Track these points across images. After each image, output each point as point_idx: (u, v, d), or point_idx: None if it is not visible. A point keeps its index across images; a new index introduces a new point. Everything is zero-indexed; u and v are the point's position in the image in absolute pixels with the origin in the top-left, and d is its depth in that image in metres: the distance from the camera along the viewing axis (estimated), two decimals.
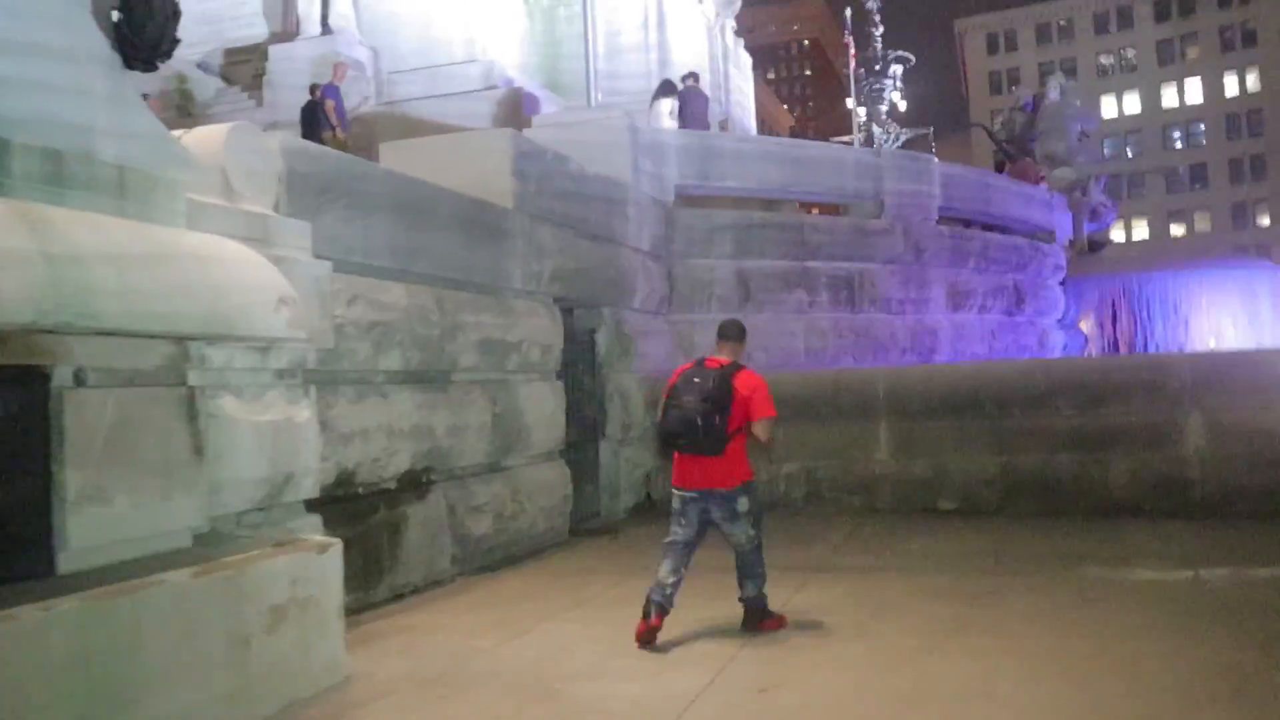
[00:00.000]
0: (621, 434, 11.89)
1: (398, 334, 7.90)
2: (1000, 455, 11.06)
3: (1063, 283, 21.00)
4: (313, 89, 16.70)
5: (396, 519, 7.83)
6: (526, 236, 10.01)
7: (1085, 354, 21.26)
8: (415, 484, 8.14)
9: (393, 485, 7.88)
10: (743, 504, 6.36)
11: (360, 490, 7.54)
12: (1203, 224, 77.76)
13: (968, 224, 18.26)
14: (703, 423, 6.12)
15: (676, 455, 6.36)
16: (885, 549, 9.23)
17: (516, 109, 18.84)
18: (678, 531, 6.41)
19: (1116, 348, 21.73)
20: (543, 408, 9.99)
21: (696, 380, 6.25)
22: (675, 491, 6.34)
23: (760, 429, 6.23)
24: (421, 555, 8.08)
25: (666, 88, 17.32)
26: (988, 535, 9.76)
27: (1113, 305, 22.21)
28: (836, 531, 10.18)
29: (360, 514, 7.48)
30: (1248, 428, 10.30)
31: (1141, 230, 79.48)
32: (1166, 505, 10.38)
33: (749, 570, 6.47)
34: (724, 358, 6.45)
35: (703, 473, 6.30)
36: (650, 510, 11.94)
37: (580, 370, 11.41)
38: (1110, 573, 7.87)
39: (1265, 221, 74.76)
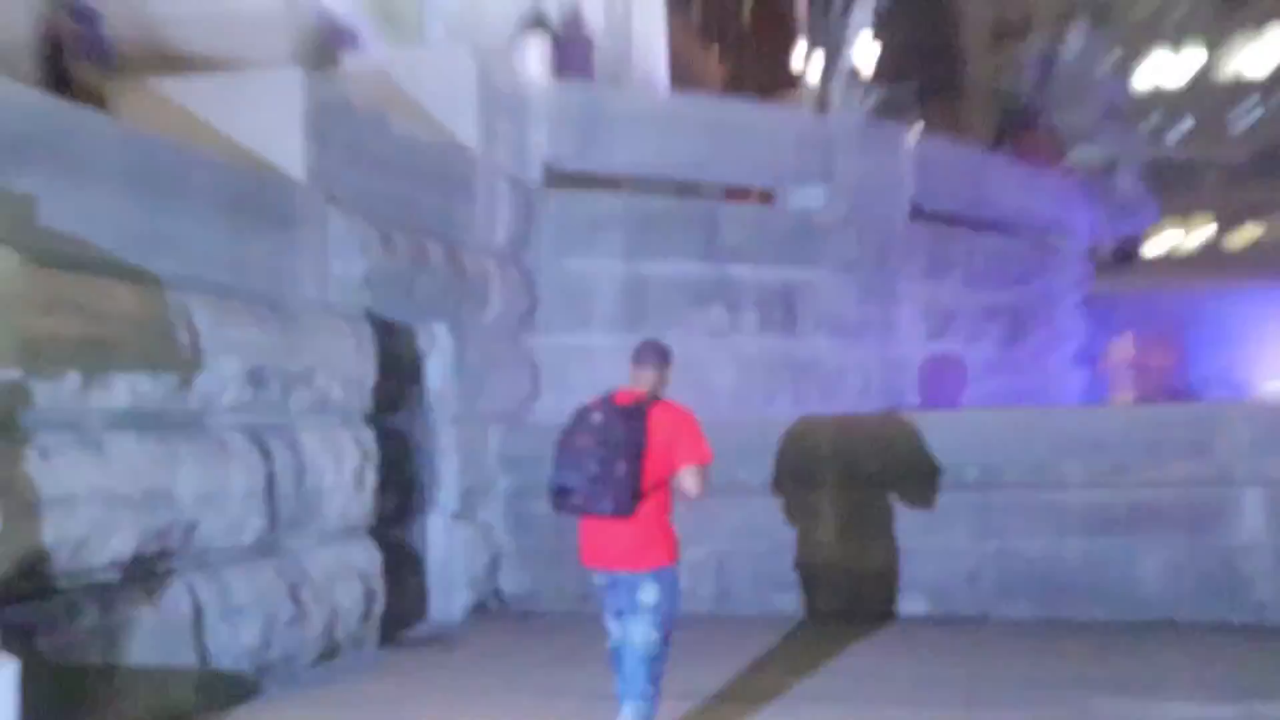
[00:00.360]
0: (461, 504, 11.86)
1: (124, 357, 7.72)
2: (987, 540, 11.17)
3: (1083, 304, 21.40)
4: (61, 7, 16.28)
5: (114, 626, 7.62)
6: (325, 224, 9.93)
7: (1110, 402, 21.66)
8: (146, 575, 7.96)
9: (111, 577, 7.67)
10: (649, 594, 6.53)
11: (59, 584, 7.32)
12: (1275, 231, 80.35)
13: (952, 221, 18.51)
14: (600, 470, 6.38)
15: (582, 523, 6.62)
16: (823, 669, 9.24)
17: (328, 46, 18.63)
18: (613, 630, 6.66)
19: (1153, 393, 22.19)
20: (344, 465, 9.90)
21: (597, 418, 6.52)
22: (592, 573, 6.65)
23: (690, 480, 6.51)
24: (152, 680, 7.87)
25: (536, 20, 17.26)
26: (966, 651, 9.79)
27: (1151, 335, 22.72)
28: (756, 643, 10.17)
29: (56, 619, 7.25)
30: None
31: (1193, 235, 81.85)
32: (1213, 612, 10.55)
33: (635, 687, 6.57)
34: (641, 389, 6.69)
35: (612, 545, 6.56)
36: (500, 613, 11.90)
37: (403, 413, 11.40)
38: (1132, 708, 7.95)
39: None
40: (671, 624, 6.65)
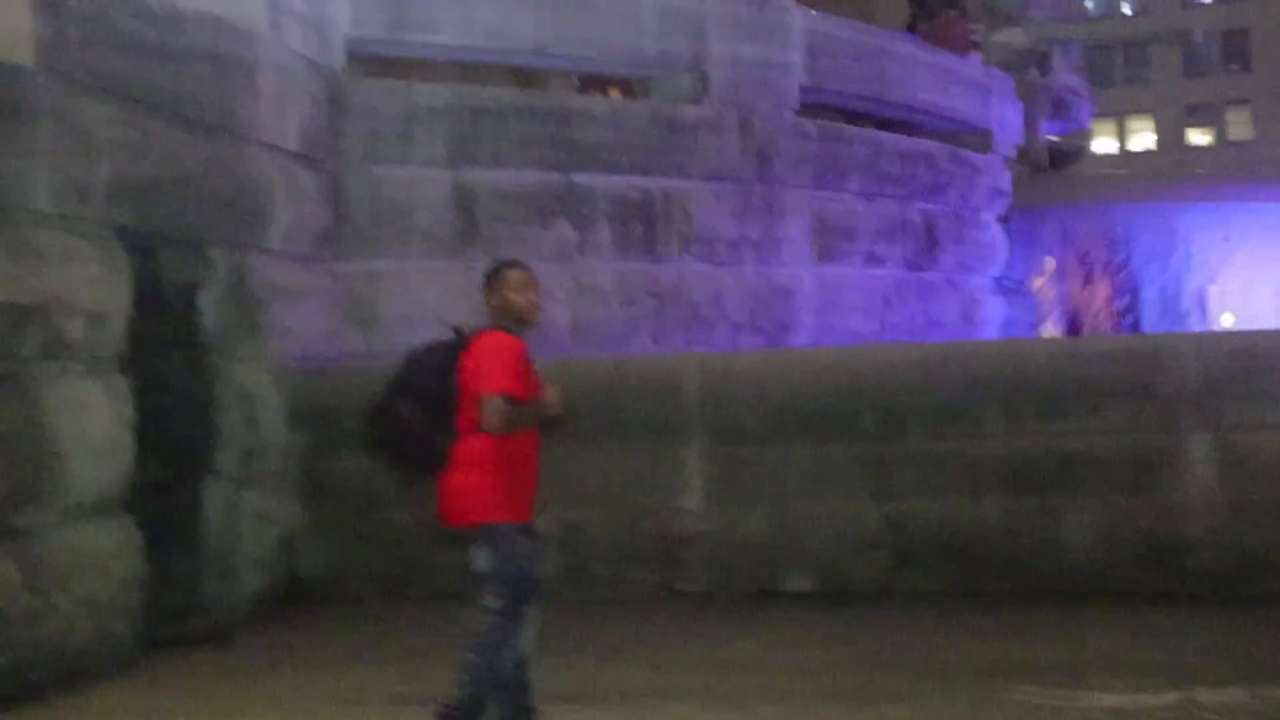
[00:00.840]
0: (242, 467, 11.67)
1: None
2: (887, 501, 11.25)
3: (1005, 219, 21.55)
4: None
5: None
6: (60, 119, 9.62)
7: (1040, 334, 21.89)
8: None
9: None
10: (480, 560, 7.03)
11: None
12: (1240, 128, 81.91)
13: (851, 117, 18.48)
14: (387, 420, 7.21)
15: None
16: (690, 659, 9.27)
17: None
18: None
19: (1088, 325, 22.47)
20: (90, 424, 9.69)
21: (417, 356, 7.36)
22: None
23: (483, 413, 6.91)
24: None
25: None
26: (861, 634, 9.87)
27: (1086, 257, 22.98)
28: (613, 629, 10.23)
29: None
30: None
31: (1141, 136, 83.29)
32: (1152, 581, 10.69)
33: (467, 665, 7.03)
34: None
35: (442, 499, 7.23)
36: (295, 601, 11.73)
37: (168, 357, 11.19)
38: (1055, 696, 8.00)
39: None
40: (519, 591, 7.03)
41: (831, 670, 8.88)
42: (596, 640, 9.91)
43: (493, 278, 7.28)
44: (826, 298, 17.11)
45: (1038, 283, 22.57)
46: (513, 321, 7.16)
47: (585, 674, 8.95)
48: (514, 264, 7.33)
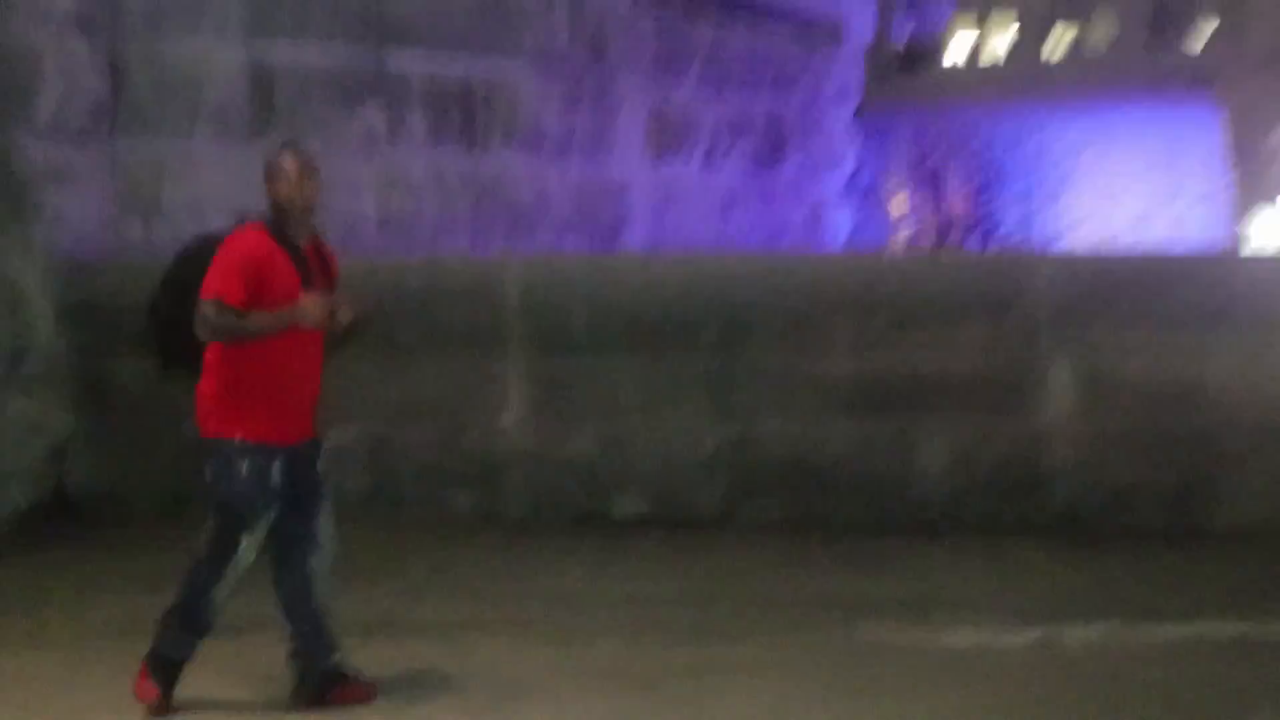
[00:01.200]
0: (5, 369, 11.54)
1: None
2: (727, 421, 11.32)
3: (856, 120, 21.63)
4: None
5: None
6: None
7: (889, 247, 22.06)
8: None
9: None
10: (207, 475, 7.12)
11: None
12: (1104, 29, 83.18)
13: (692, 3, 18.41)
14: (152, 317, 7.40)
15: None
16: (510, 590, 9.36)
17: None
18: None
19: (941, 238, 22.69)
20: None
21: None
22: None
23: (195, 319, 6.98)
24: None
25: None
26: (696, 564, 9.98)
27: (939, 164, 23.16)
28: (425, 556, 10.29)
29: None
30: (1148, 383, 10.88)
31: (1002, 38, 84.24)
32: (1009, 513, 10.86)
33: (174, 596, 7.16)
34: None
35: None
36: (68, 519, 11.59)
37: None
38: (906, 634, 8.15)
39: (1208, 29, 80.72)
40: (221, 522, 7.04)
41: (664, 604, 8.91)
42: (407, 568, 9.90)
43: (268, 166, 7.20)
44: (662, 199, 17.10)
45: (889, 191, 22.73)
46: (286, 216, 7.07)
47: (394, 604, 8.95)
48: (288, 150, 7.27)
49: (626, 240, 16.45)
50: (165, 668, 7.03)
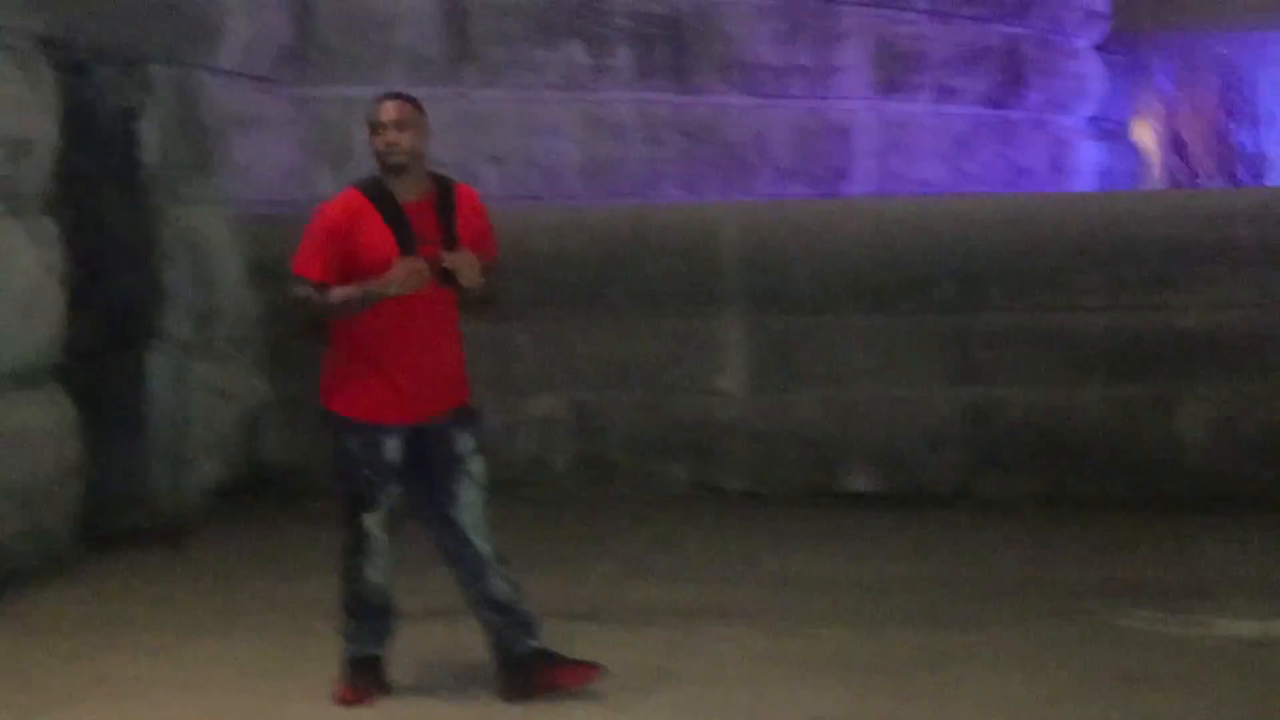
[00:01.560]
0: (193, 333, 11.68)
1: None
2: (964, 386, 11.27)
3: (1104, 48, 21.34)
4: None
5: None
6: None
7: (1144, 187, 21.76)
8: None
9: None
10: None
11: None
12: None
13: None
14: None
15: None
16: (729, 571, 9.29)
17: None
18: None
19: (1202, 176, 22.32)
20: (9, 275, 9.71)
21: None
22: None
23: None
24: None
25: None
26: (935, 544, 9.89)
27: (1198, 95, 22.81)
28: (637, 535, 10.27)
29: None
30: None
31: None
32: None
33: (340, 595, 7.26)
34: None
35: None
36: (259, 493, 11.80)
37: (102, 198, 11.16)
38: (1181, 624, 7.98)
39: None
40: (344, 501, 7.16)
41: (898, 587, 8.87)
42: (618, 547, 9.92)
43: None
44: (890, 139, 16.94)
45: (1142, 126, 22.42)
46: (383, 172, 6.99)
47: (604, 587, 8.99)
48: (377, 99, 7.15)
49: (850, 186, 16.33)
50: (354, 663, 7.11)
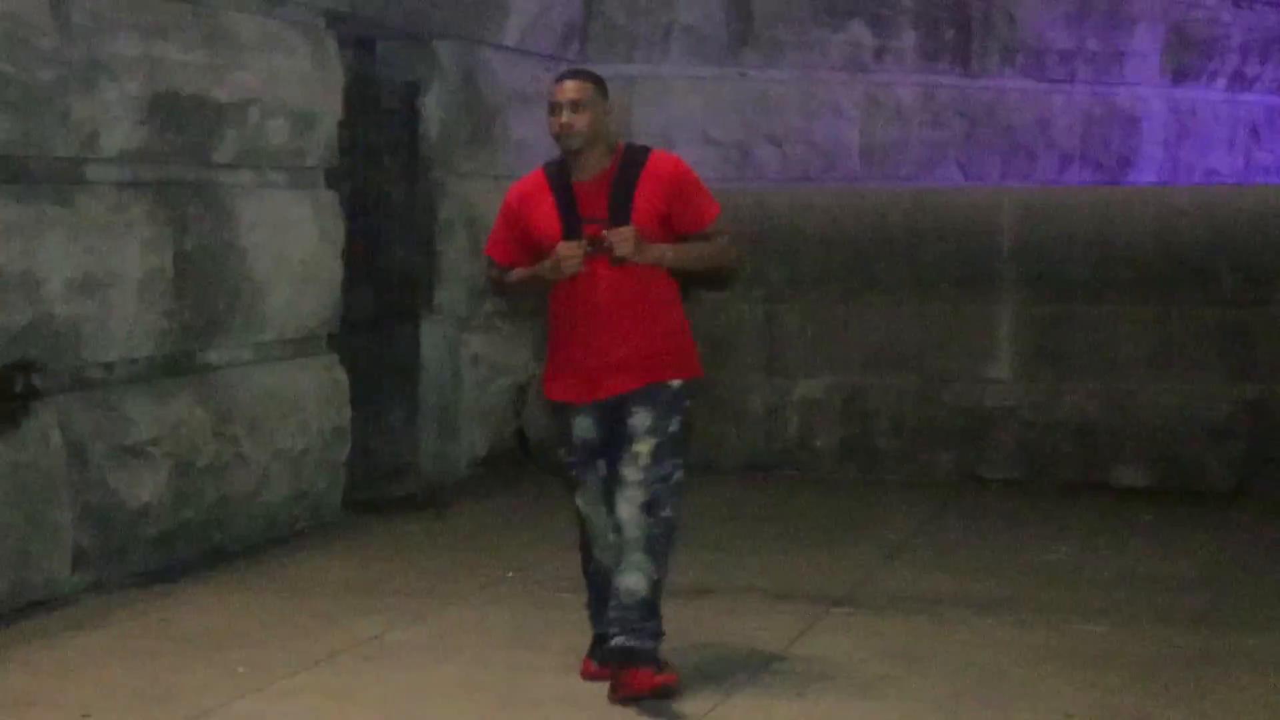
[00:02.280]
0: (470, 305, 11.86)
1: None
2: (1246, 382, 11.12)
3: None
4: None
5: None
6: None
7: None
8: None
9: None
10: None
11: None
12: None
13: None
14: None
15: None
16: (993, 561, 9.26)
17: None
18: None
19: None
20: (292, 245, 9.91)
21: None
22: None
23: None
24: (7, 546, 7.94)
25: None
26: (1208, 543, 9.73)
27: None
28: (900, 520, 10.26)
29: None
30: None
31: None
32: None
33: None
34: None
35: None
36: (523, 466, 12.04)
37: (383, 170, 11.35)
38: None
39: None
40: (564, 478, 7.23)
41: (1164, 584, 8.71)
42: (880, 532, 9.92)
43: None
44: (1179, 127, 16.65)
45: None
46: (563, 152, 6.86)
47: (864, 572, 8.97)
48: (559, 75, 7.03)
49: (1136, 173, 16.09)
50: (596, 639, 7.01)
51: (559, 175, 6.80)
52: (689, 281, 7.06)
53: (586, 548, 7.04)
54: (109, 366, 8.70)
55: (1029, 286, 11.41)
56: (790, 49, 14.16)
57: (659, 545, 6.73)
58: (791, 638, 7.61)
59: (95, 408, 8.54)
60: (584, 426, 6.86)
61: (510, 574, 9.00)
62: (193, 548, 9.11)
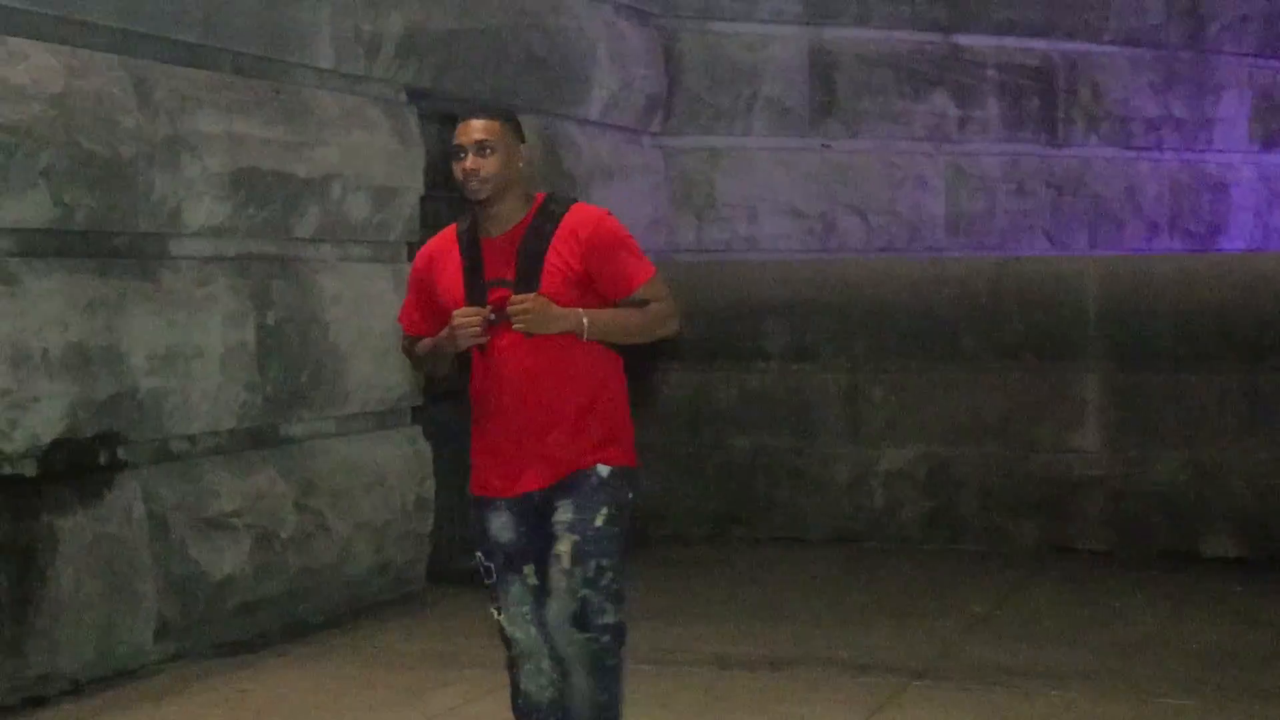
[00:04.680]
0: None
1: (45, 152, 7.71)
2: None
3: None
4: None
5: (33, 540, 7.71)
6: None
7: None
8: (80, 468, 8.02)
9: (27, 469, 7.75)
10: None
11: None
12: None
13: None
14: None
15: None
16: (1077, 633, 9.16)
17: None
18: None
19: None
20: (375, 318, 9.93)
21: None
22: None
23: None
24: (91, 617, 7.97)
25: None
26: None
27: None
28: (984, 591, 10.23)
29: None
30: None
31: None
32: None
33: None
34: None
35: None
36: None
37: None
38: None
39: None
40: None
41: (1255, 658, 8.56)
42: (963, 603, 9.85)
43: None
44: (1269, 193, 16.54)
45: None
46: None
47: (946, 643, 8.91)
48: (463, 113, 5.92)
49: (1226, 240, 16.01)
50: None
51: (469, 231, 5.80)
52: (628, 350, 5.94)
53: (515, 681, 5.86)
54: (192, 439, 8.76)
55: (1115, 355, 11.32)
56: (873, 119, 14.21)
57: (602, 661, 5.68)
58: (871, 711, 7.54)
59: (178, 480, 8.60)
60: (501, 526, 5.75)
61: None
62: (274, 619, 9.14)
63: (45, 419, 7.73)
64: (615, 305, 5.70)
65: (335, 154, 9.56)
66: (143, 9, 8.37)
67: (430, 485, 10.43)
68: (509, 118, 5.82)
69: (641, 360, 12.01)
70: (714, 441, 11.91)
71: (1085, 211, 15.23)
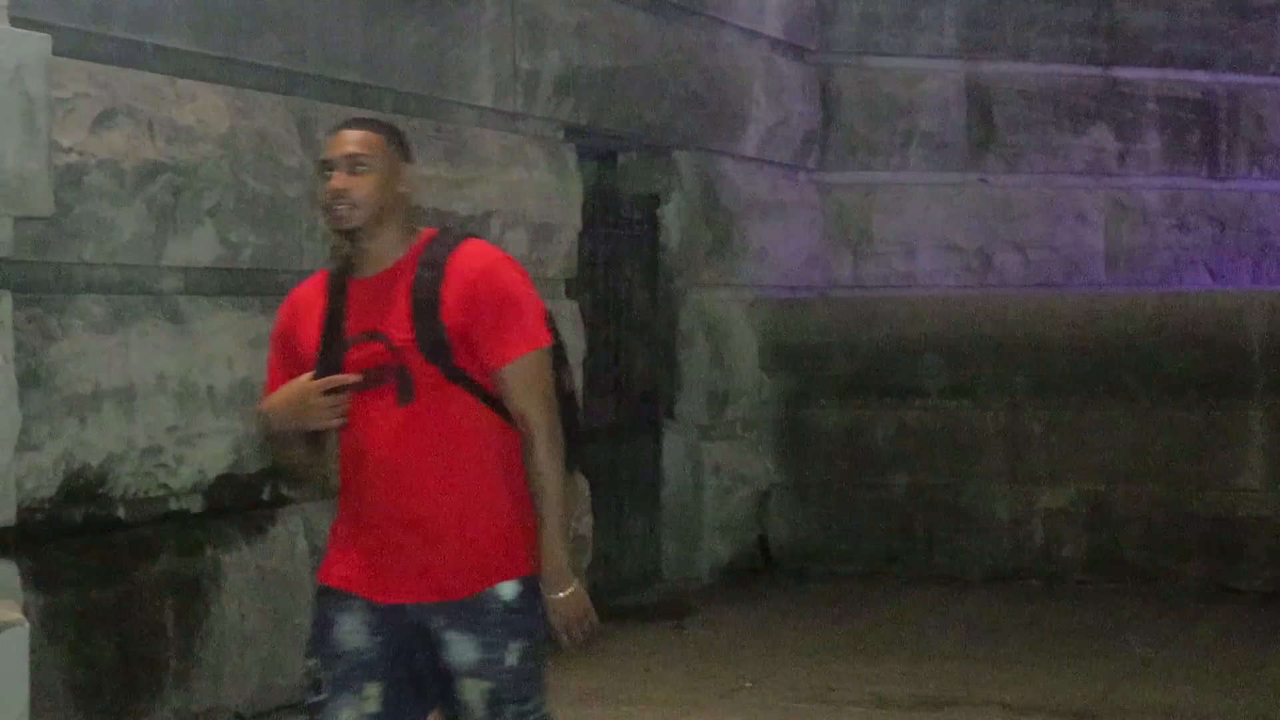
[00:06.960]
0: (710, 415, 11.94)
1: (212, 191, 7.81)
2: None
3: None
4: None
5: (198, 574, 7.78)
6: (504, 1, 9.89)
7: None
8: (245, 502, 8.11)
9: (193, 505, 7.85)
10: None
11: (119, 513, 7.48)
12: None
13: None
14: None
15: None
16: (1241, 676, 9.06)
17: None
18: None
19: None
20: None
21: None
22: None
23: None
24: (255, 650, 8.04)
25: None
26: None
27: None
28: (1146, 633, 10.12)
29: (116, 562, 7.39)
30: None
31: None
32: None
33: None
34: None
35: None
36: (765, 573, 12.05)
37: (623, 280, 11.48)
38: None
39: None
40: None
41: None
42: (1125, 645, 9.78)
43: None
44: None
45: None
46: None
47: (1108, 686, 8.85)
48: (335, 126, 4.80)
49: None
50: None
51: (339, 273, 4.68)
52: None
53: None
54: None
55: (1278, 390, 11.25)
56: (1032, 154, 14.16)
57: None
58: None
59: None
60: (352, 630, 4.58)
61: (749, 683, 8.95)
62: None
63: (211, 455, 7.83)
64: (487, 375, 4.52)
65: (494, 191, 9.64)
66: (306, 50, 8.51)
67: (588, 521, 10.36)
68: (393, 131, 4.73)
69: (797, 396, 12.08)
70: (871, 479, 11.90)
71: (1248, 246, 15.08)
